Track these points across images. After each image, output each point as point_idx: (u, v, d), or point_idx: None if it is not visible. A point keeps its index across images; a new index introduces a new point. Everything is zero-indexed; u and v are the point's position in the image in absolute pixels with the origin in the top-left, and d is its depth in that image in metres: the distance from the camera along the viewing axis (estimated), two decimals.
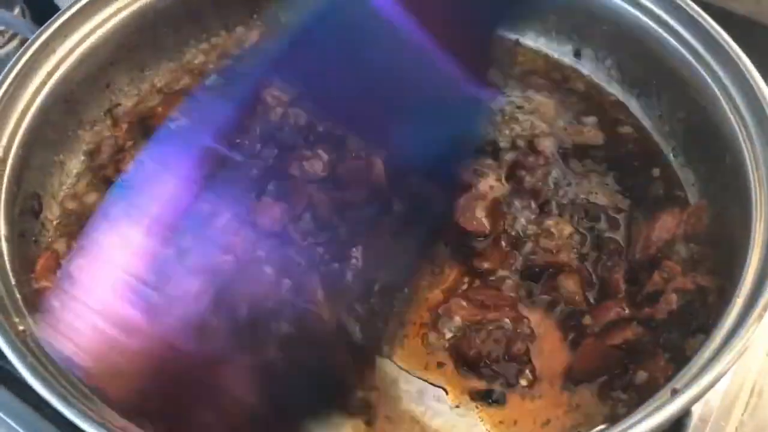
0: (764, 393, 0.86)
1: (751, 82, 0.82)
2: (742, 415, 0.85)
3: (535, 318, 0.83)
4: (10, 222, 0.81)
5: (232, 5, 1.11)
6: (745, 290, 0.70)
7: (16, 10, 1.13)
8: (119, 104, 1.03)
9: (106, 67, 0.99)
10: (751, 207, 0.77)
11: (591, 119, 1.00)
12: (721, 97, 0.85)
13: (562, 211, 0.90)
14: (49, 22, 0.92)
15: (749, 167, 0.79)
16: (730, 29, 0.87)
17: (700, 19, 0.88)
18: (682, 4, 0.90)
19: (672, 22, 0.92)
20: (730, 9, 1.04)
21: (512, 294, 0.84)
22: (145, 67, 1.06)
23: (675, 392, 0.63)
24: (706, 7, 0.89)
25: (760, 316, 0.66)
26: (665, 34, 0.92)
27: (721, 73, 0.86)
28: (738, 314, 0.69)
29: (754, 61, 0.84)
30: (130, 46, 1.01)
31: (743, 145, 0.81)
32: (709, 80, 0.87)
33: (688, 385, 0.63)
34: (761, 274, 0.70)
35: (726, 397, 0.84)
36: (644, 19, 0.95)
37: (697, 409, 0.80)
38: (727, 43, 0.85)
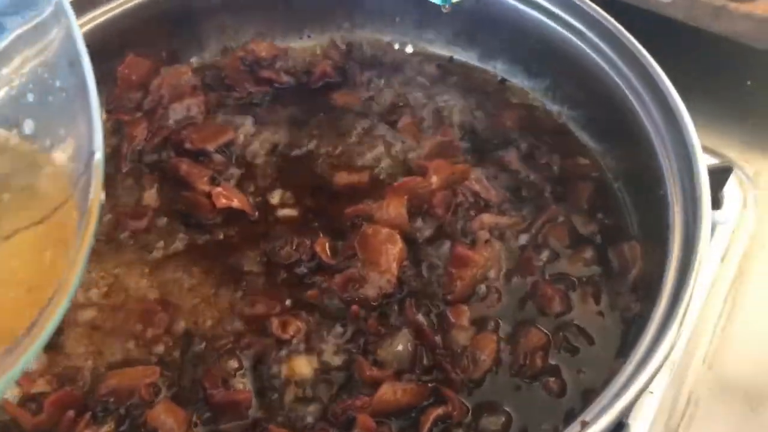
0: (701, 402, 0.87)
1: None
2: (679, 426, 0.85)
3: None
4: None
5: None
6: (659, 313, 0.70)
7: None
8: None
9: None
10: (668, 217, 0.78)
11: None
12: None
13: None
14: None
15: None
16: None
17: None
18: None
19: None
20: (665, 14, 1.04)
21: None
22: None
23: (585, 425, 0.64)
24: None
25: (670, 344, 0.66)
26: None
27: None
28: (651, 339, 0.69)
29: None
30: None
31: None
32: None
33: (595, 418, 0.63)
34: (674, 296, 0.70)
35: (662, 407, 0.85)
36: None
37: (632, 421, 0.80)
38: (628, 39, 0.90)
